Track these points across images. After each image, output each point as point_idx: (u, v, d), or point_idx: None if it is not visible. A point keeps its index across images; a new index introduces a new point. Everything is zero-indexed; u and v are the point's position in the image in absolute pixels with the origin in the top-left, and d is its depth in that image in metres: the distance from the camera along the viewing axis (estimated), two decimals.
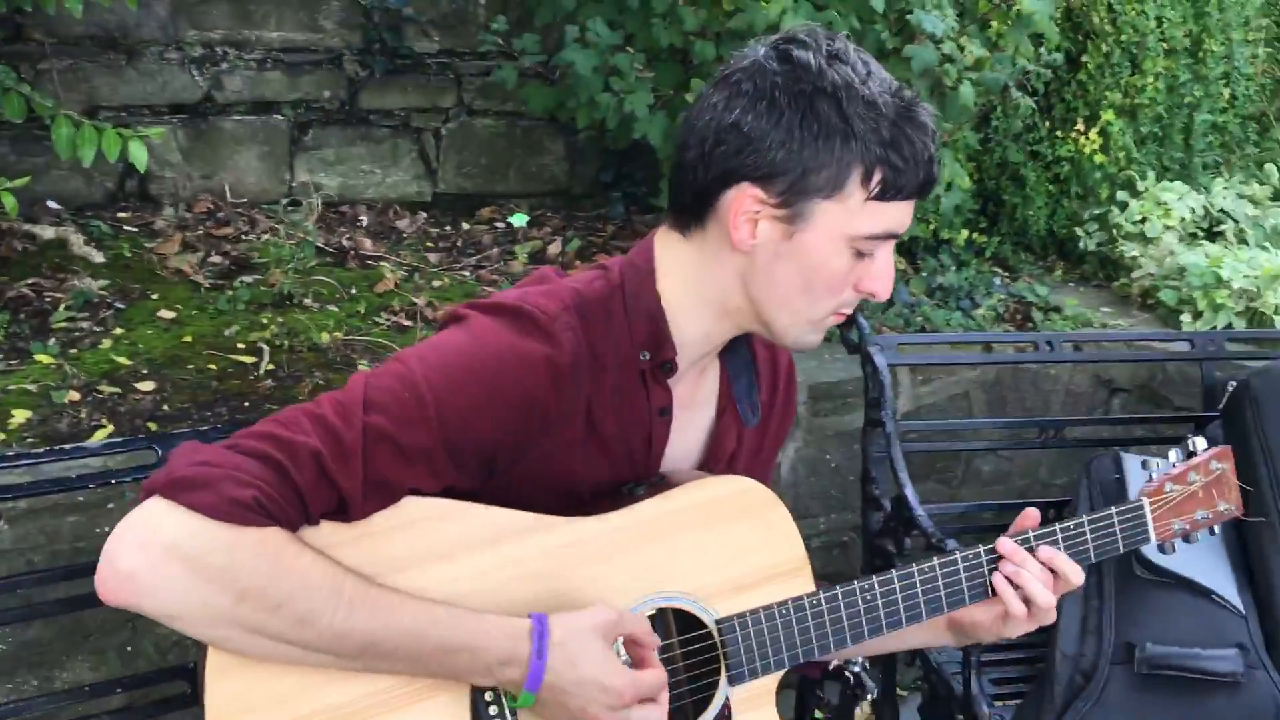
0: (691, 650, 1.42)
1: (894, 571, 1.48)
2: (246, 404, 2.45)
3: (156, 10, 3.30)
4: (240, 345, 2.68)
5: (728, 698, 1.41)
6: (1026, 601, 1.52)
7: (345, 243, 3.33)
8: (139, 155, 2.48)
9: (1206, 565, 2.15)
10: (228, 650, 1.19)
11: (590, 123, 3.07)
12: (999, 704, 2.12)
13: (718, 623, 1.40)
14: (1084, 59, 3.87)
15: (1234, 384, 2.31)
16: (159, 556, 1.13)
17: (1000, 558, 1.53)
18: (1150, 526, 1.67)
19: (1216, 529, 1.77)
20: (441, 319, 1.37)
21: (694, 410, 1.50)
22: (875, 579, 1.47)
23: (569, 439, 1.35)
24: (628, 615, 1.33)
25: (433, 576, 1.25)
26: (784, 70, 1.30)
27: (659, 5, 2.86)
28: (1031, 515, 1.58)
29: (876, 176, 1.29)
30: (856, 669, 1.76)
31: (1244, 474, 1.77)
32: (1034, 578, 1.52)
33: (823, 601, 1.44)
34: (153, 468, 1.82)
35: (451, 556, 1.26)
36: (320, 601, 1.17)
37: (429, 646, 1.22)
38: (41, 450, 1.76)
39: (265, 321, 2.79)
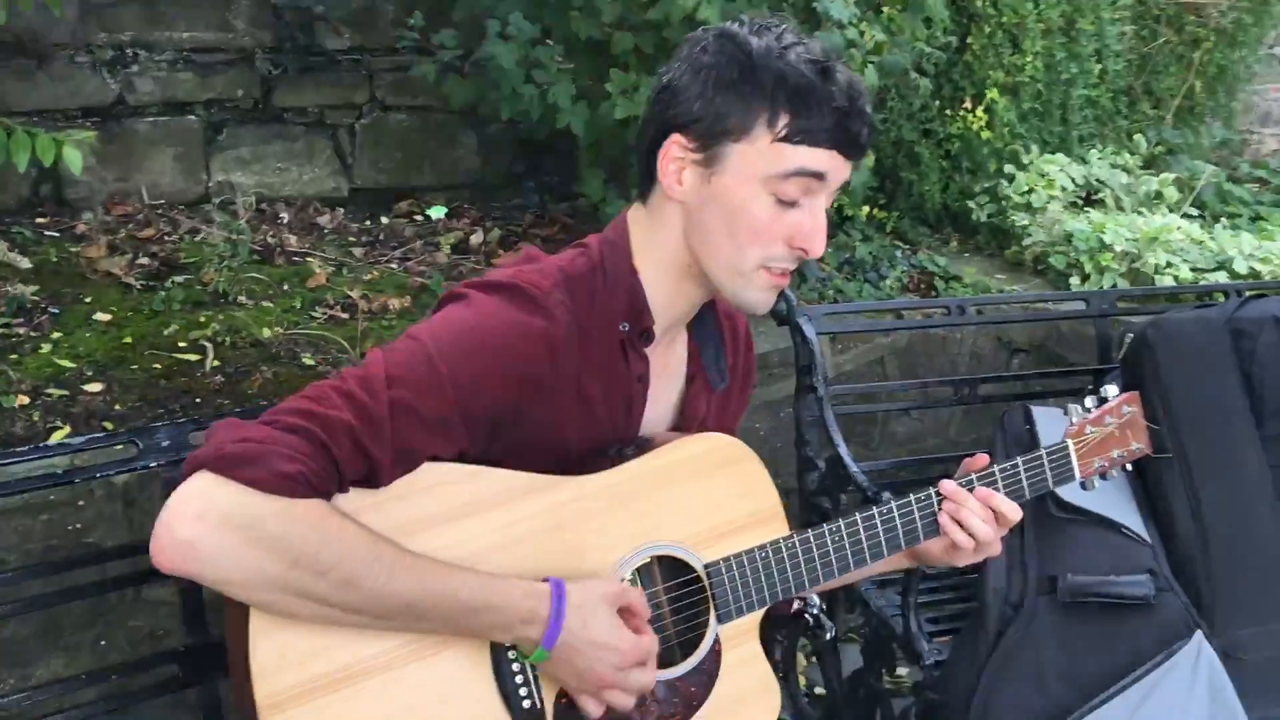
0: (681, 595, 1.54)
1: (858, 514, 1.62)
2: (198, 400, 2.48)
3: (65, 13, 3.26)
4: (182, 344, 2.70)
5: (717, 635, 1.54)
6: (971, 535, 1.68)
7: (271, 240, 3.35)
8: (74, 159, 2.46)
9: (1114, 502, 2.35)
10: (274, 613, 1.27)
11: (513, 114, 3.15)
12: (935, 640, 2.29)
13: (705, 567, 1.53)
14: (969, 41, 4.10)
15: (1131, 336, 2.52)
16: (215, 526, 1.20)
17: (945, 498, 1.68)
18: (1075, 465, 1.84)
19: (1128, 466, 1.96)
20: (442, 298, 1.46)
21: (667, 379, 1.62)
22: (842, 522, 1.61)
23: (561, 405, 1.46)
24: (629, 588, 1.45)
25: (453, 535, 1.35)
26: (714, 40, 1.45)
27: None
28: (981, 459, 1.74)
29: (782, 120, 1.40)
30: (815, 611, 1.90)
31: (1146, 416, 1.96)
32: (973, 514, 1.66)
33: (798, 544, 1.57)
34: (132, 460, 1.88)
35: (469, 516, 1.36)
36: (364, 567, 1.26)
37: (459, 607, 1.31)
38: (25, 449, 1.79)
39: (204, 320, 2.81)
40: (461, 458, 1.38)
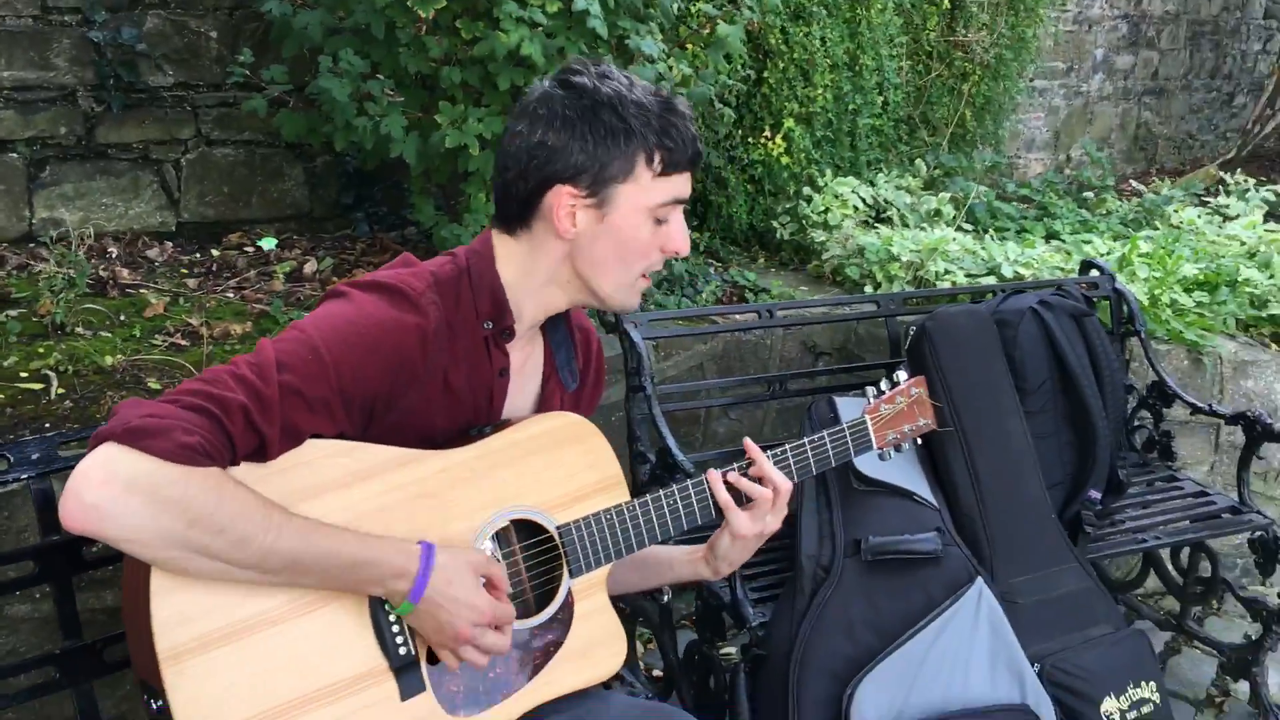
0: (536, 554, 1.75)
1: (689, 482, 1.86)
2: (47, 425, 2.53)
3: None
4: (24, 374, 2.74)
5: (570, 589, 1.76)
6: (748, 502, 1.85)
7: (103, 273, 3.39)
8: None
9: (906, 473, 2.68)
10: (173, 570, 1.41)
11: (346, 145, 3.31)
12: (758, 607, 2.56)
13: (558, 528, 1.74)
14: (765, 75, 4.47)
15: (914, 329, 2.87)
16: (120, 490, 1.35)
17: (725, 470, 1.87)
18: (872, 437, 2.15)
19: (918, 440, 2.28)
20: (324, 295, 1.64)
21: (524, 378, 1.83)
22: (675, 488, 1.84)
23: (430, 394, 1.65)
24: (493, 562, 1.65)
25: (335, 502, 1.52)
26: (567, 94, 1.67)
27: (404, 36, 3.15)
28: (750, 446, 1.91)
29: (657, 157, 1.67)
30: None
31: (930, 396, 2.29)
32: (748, 480, 1.85)
33: (636, 507, 1.81)
34: (4, 473, 1.96)
35: (349, 485, 1.54)
36: (255, 526, 1.42)
37: (340, 563, 1.49)
38: None
39: (43, 350, 2.85)
40: (341, 438, 1.56)
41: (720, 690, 2.62)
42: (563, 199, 1.66)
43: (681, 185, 1.72)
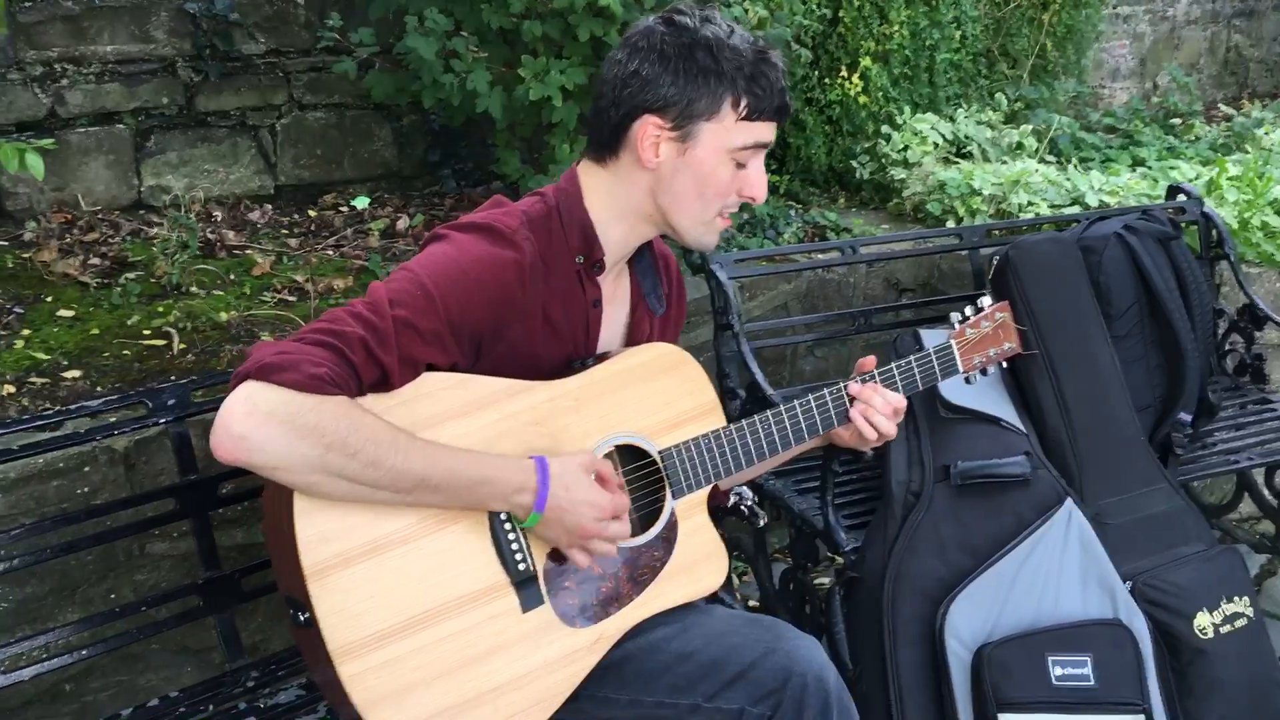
0: (640, 477, 1.85)
1: (781, 407, 1.95)
2: (174, 377, 2.70)
3: None
4: (146, 331, 2.91)
5: (673, 509, 1.86)
6: (875, 428, 2.02)
7: (211, 236, 3.56)
8: (36, 165, 2.66)
9: (992, 400, 2.72)
10: (315, 494, 1.54)
11: (434, 102, 3.41)
12: (850, 533, 2.63)
13: (660, 453, 1.84)
14: (841, 14, 4.47)
15: (997, 259, 2.89)
16: (263, 420, 1.47)
17: (854, 398, 2.01)
18: (958, 360, 2.20)
19: (1004, 364, 2.33)
20: (425, 239, 1.75)
21: (615, 306, 1.93)
22: (769, 413, 1.94)
23: (532, 325, 1.76)
24: (599, 459, 1.75)
25: (455, 430, 1.64)
26: (669, 30, 1.75)
27: None
28: (868, 361, 2.08)
29: (744, 102, 1.74)
30: (749, 503, 2.23)
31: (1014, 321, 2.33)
32: (878, 411, 2.01)
33: (734, 431, 1.90)
34: (144, 419, 2.12)
35: (466, 414, 1.66)
36: (385, 448, 1.54)
37: (463, 480, 1.60)
38: (52, 411, 2.01)
39: (163, 310, 3.02)
40: (454, 369, 1.67)
41: (816, 614, 2.72)
42: (648, 129, 1.75)
43: (764, 132, 1.79)
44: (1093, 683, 2.35)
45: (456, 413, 1.65)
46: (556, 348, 1.81)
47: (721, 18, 1.78)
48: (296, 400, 1.49)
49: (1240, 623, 2.56)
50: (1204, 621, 2.53)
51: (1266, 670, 2.59)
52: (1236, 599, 2.58)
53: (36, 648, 2.02)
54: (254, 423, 1.47)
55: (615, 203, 1.81)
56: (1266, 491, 3.44)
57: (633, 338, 1.96)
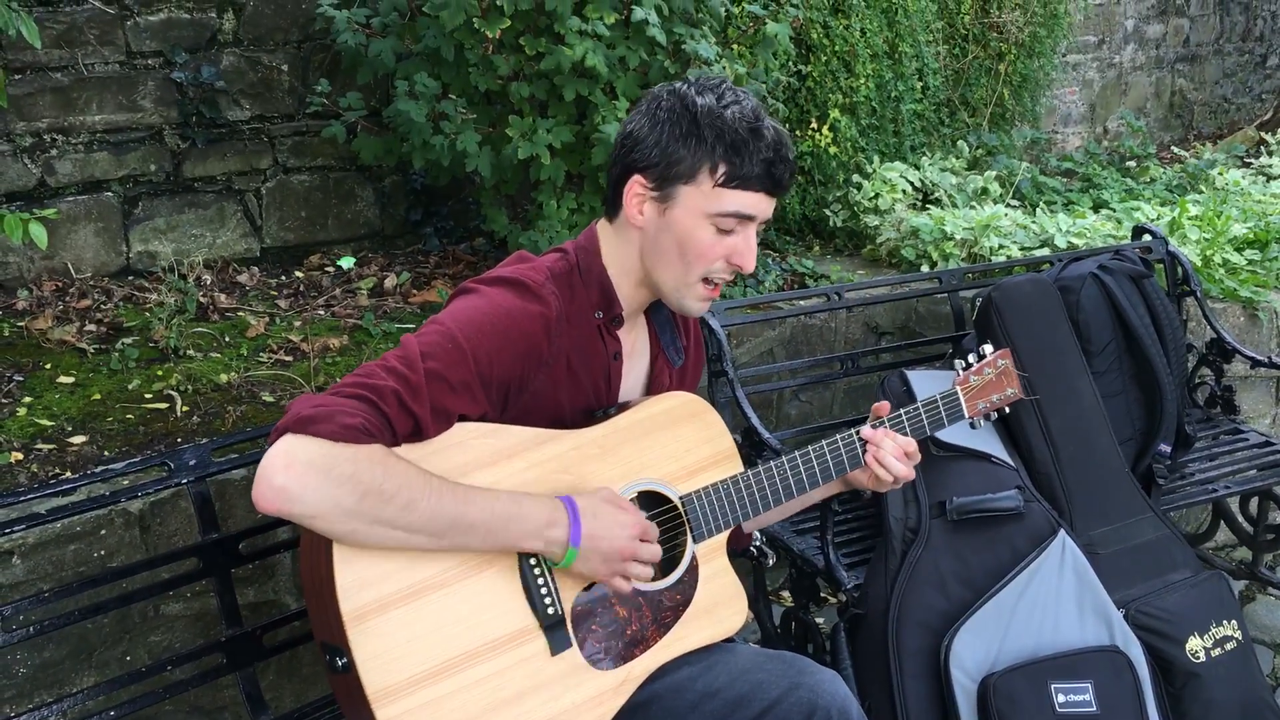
0: (663, 522, 1.91)
1: (796, 453, 2.02)
2: (179, 440, 2.73)
3: None
4: (148, 395, 2.94)
5: (694, 553, 1.92)
6: (888, 470, 2.09)
7: (203, 300, 3.60)
8: (40, 236, 2.71)
9: (980, 437, 2.81)
10: (353, 542, 1.59)
11: (424, 163, 3.49)
12: (851, 570, 2.70)
13: (681, 498, 1.90)
14: (809, 69, 4.62)
15: (980, 300, 3.00)
16: (301, 471, 1.53)
17: (868, 442, 2.09)
18: (964, 406, 2.28)
19: (1006, 409, 2.40)
20: (453, 293, 1.81)
21: (635, 358, 2.00)
22: (785, 458, 2.01)
23: (556, 376, 1.82)
24: (615, 493, 1.81)
25: (485, 477, 1.70)
26: (668, 97, 1.84)
27: (472, 56, 3.32)
28: (883, 406, 2.16)
29: (720, 169, 1.80)
30: (759, 543, 2.30)
31: None
32: (889, 454, 2.08)
33: (752, 477, 1.97)
34: (165, 480, 2.15)
35: (496, 463, 1.72)
36: (417, 492, 1.59)
37: (496, 519, 1.66)
38: (77, 475, 2.04)
39: (162, 374, 3.05)
40: (484, 419, 1.73)
41: (819, 652, 2.77)
42: (634, 187, 1.83)
43: (747, 202, 1.82)
44: (1095, 709, 2.42)
45: (487, 461, 1.71)
46: (579, 398, 1.88)
47: (741, 92, 1.84)
48: (333, 450, 1.54)
49: (1230, 645, 2.65)
50: (1195, 645, 2.62)
51: (1257, 692, 2.68)
52: (1225, 623, 2.67)
53: (53, 715, 2.03)
54: (293, 474, 1.52)
55: (619, 260, 1.89)
56: (1241, 518, 3.56)
57: (652, 389, 2.03)
